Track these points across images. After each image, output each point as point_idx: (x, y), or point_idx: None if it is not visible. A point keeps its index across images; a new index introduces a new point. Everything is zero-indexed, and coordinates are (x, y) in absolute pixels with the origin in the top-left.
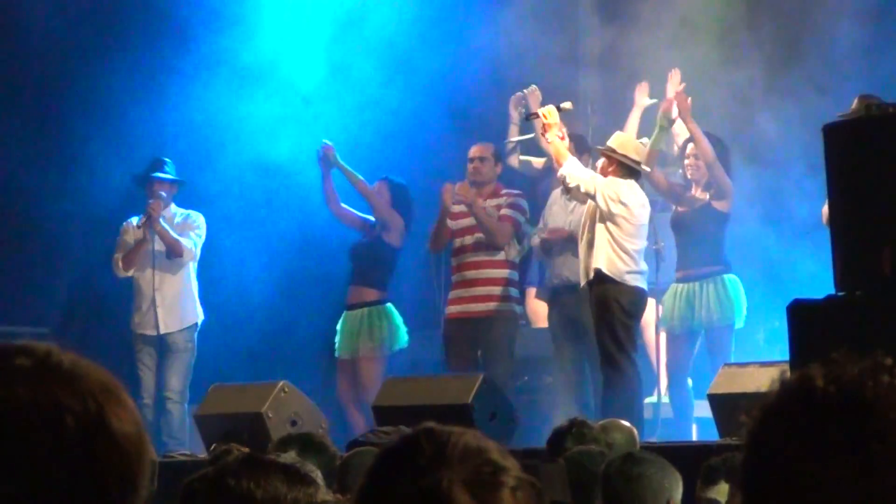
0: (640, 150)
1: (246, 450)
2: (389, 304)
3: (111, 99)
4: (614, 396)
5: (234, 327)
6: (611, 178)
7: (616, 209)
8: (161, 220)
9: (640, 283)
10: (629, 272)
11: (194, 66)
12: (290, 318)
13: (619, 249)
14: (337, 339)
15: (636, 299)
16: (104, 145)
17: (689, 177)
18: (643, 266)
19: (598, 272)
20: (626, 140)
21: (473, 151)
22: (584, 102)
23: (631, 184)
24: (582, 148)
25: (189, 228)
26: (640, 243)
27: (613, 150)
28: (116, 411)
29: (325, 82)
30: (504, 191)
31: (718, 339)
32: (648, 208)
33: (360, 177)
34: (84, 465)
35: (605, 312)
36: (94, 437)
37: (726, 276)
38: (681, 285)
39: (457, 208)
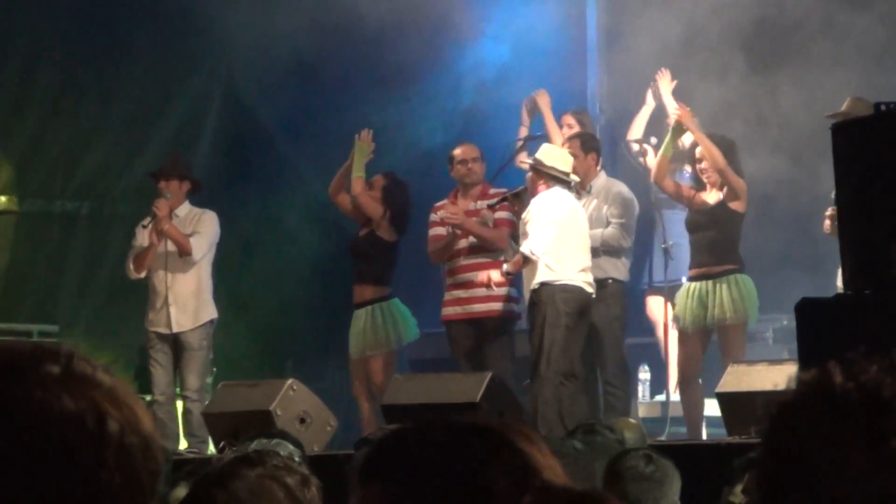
0: (567, 161)
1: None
2: (395, 299)
3: (120, 93)
4: None
5: (245, 324)
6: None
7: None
8: (172, 217)
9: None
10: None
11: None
12: (300, 315)
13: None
14: (350, 339)
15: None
16: (112, 141)
17: (704, 180)
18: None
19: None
20: (554, 153)
21: (464, 153)
22: (593, 101)
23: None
24: (590, 147)
25: (199, 227)
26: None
27: (542, 164)
28: (125, 415)
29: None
30: (492, 191)
31: (731, 337)
32: (553, 216)
33: (361, 174)
34: (126, 468)
35: None
36: (131, 440)
37: (739, 276)
38: (693, 284)
39: (446, 214)
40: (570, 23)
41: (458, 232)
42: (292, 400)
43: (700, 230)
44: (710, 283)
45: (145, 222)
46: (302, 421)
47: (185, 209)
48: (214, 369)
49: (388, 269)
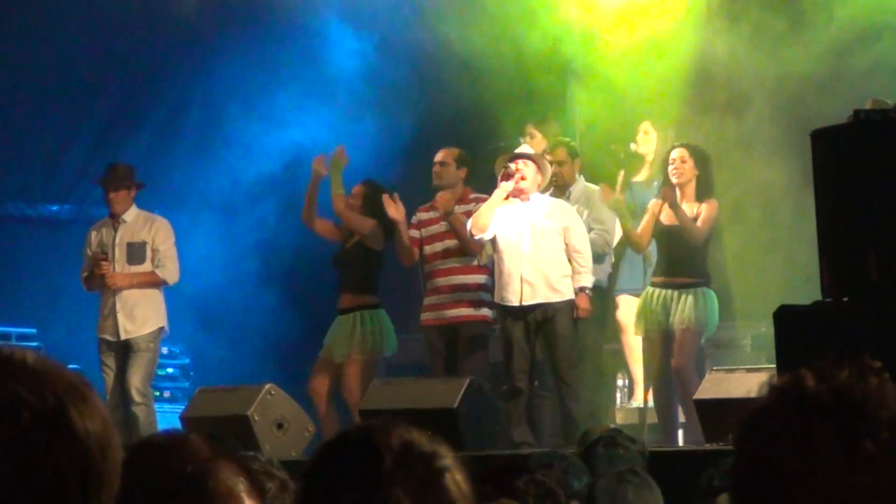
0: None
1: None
2: (382, 309)
3: (88, 99)
4: None
5: (221, 330)
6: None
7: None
8: (121, 222)
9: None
10: None
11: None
12: (280, 321)
13: None
14: (327, 340)
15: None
16: (92, 144)
17: (674, 181)
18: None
19: None
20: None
21: (437, 156)
22: (572, 108)
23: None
24: (576, 153)
25: (158, 243)
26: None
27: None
28: (80, 408)
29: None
30: (472, 195)
31: (684, 339)
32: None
33: (341, 190)
34: (41, 460)
35: None
36: (52, 433)
37: (705, 289)
38: (658, 290)
39: (424, 216)
40: (550, 27)
41: (424, 219)
42: (270, 405)
43: (670, 243)
44: (676, 291)
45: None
46: (279, 426)
47: (132, 214)
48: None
49: (376, 277)
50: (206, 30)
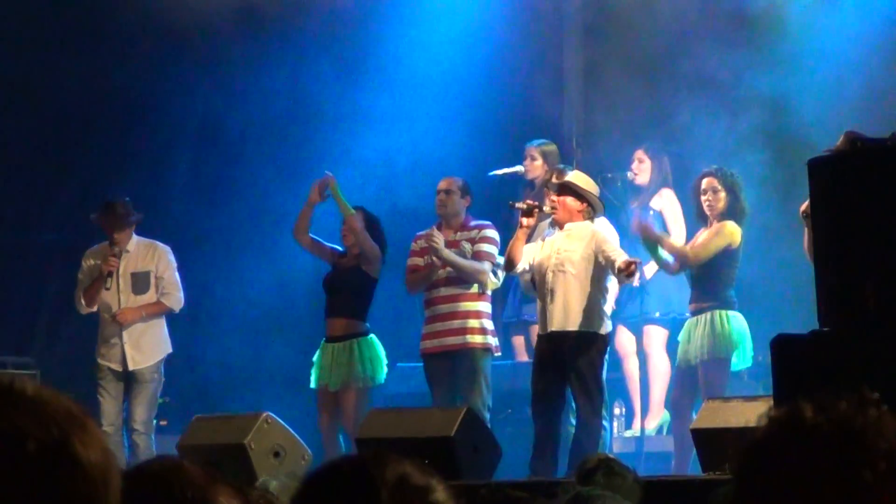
0: (596, 187)
1: None
2: (373, 336)
3: (85, 128)
4: None
5: (214, 358)
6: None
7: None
8: (123, 253)
9: None
10: None
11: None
12: (270, 348)
13: None
14: (315, 370)
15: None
16: (86, 175)
17: (706, 212)
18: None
19: None
20: (588, 178)
21: (441, 185)
22: (569, 136)
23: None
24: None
25: (160, 271)
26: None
27: (585, 190)
28: (82, 438)
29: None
30: (473, 223)
31: (707, 373)
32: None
33: (353, 211)
34: (47, 490)
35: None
36: (57, 463)
37: (726, 312)
38: (690, 319)
39: (425, 244)
40: (548, 57)
41: (438, 262)
42: (266, 433)
43: (698, 268)
44: (697, 318)
45: (107, 284)
46: (276, 455)
47: (133, 244)
48: (168, 398)
49: (368, 304)
50: (189, 68)
